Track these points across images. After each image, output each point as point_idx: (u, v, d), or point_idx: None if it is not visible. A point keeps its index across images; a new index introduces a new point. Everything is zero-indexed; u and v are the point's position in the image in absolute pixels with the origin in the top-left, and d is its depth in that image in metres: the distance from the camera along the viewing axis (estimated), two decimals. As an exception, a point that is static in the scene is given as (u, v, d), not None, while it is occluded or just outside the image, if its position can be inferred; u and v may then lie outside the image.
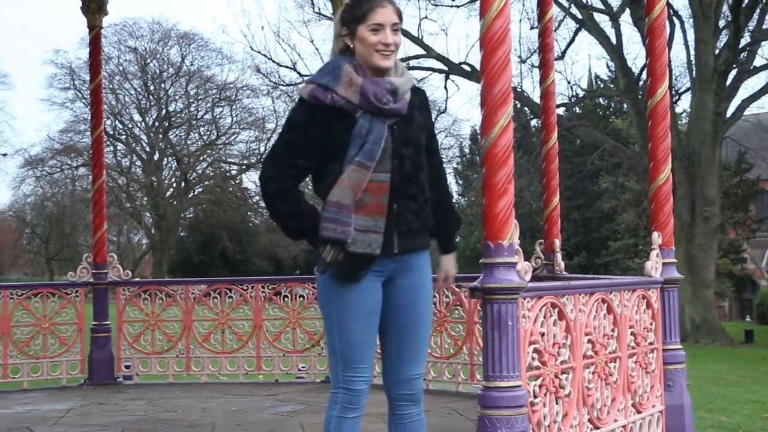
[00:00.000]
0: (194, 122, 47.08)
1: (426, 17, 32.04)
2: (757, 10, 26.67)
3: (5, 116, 61.05)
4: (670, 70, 5.86)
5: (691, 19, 26.34)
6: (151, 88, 46.62)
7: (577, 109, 36.77)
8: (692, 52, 26.56)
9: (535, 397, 3.93)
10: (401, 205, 3.54)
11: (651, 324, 5.11)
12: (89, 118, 10.71)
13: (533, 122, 34.21)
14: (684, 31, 27.46)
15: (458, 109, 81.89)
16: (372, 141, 3.46)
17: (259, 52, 34.62)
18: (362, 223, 3.47)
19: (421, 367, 3.71)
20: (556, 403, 4.09)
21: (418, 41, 28.93)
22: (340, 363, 3.59)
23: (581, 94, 35.63)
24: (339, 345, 3.58)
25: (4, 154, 45.92)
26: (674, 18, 26.62)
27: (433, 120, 4.08)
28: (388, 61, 3.56)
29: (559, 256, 6.51)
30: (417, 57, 29.39)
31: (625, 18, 27.80)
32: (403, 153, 3.53)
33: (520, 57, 28.87)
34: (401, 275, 3.62)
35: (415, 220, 3.58)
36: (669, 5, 5.70)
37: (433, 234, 3.74)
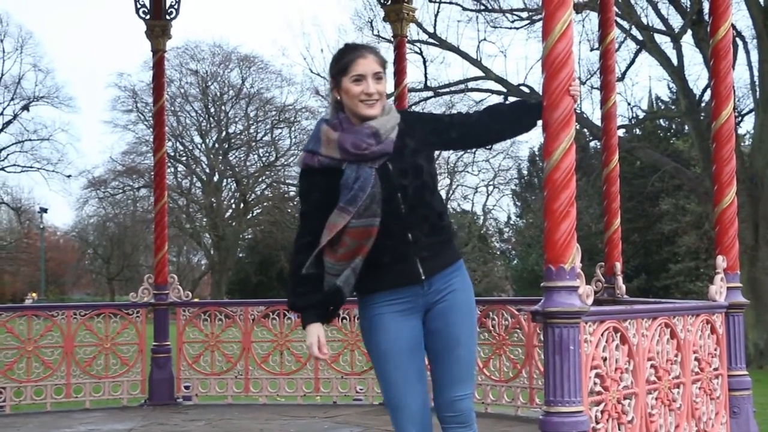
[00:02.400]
0: (253, 144, 47.43)
1: (485, 39, 31.99)
2: (823, 31, 26.20)
3: (70, 138, 61.95)
4: (733, 91, 5.76)
5: (755, 40, 25.96)
6: (212, 110, 47.09)
7: (637, 131, 36.35)
8: (756, 73, 26.15)
9: (597, 422, 3.88)
10: (415, 233, 3.62)
11: (715, 349, 5.02)
12: (151, 139, 10.86)
13: (592, 144, 33.92)
14: (747, 52, 27.06)
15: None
16: (357, 188, 3.55)
17: (318, 74, 34.51)
18: (337, 268, 3.58)
19: (465, 389, 3.68)
20: (619, 429, 4.03)
21: (476, 63, 28.85)
22: (389, 409, 3.65)
23: (641, 115, 35.20)
24: (384, 388, 3.67)
25: (69, 176, 46.64)
26: (737, 39, 26.25)
27: (438, 114, 4.13)
28: (372, 110, 3.64)
29: (620, 279, 6.42)
30: (476, 79, 29.30)
31: (687, 39, 27.51)
32: (403, 184, 3.62)
33: (579, 78, 28.57)
34: (435, 304, 3.67)
35: (432, 242, 3.65)
36: (732, 26, 5.61)
37: None
